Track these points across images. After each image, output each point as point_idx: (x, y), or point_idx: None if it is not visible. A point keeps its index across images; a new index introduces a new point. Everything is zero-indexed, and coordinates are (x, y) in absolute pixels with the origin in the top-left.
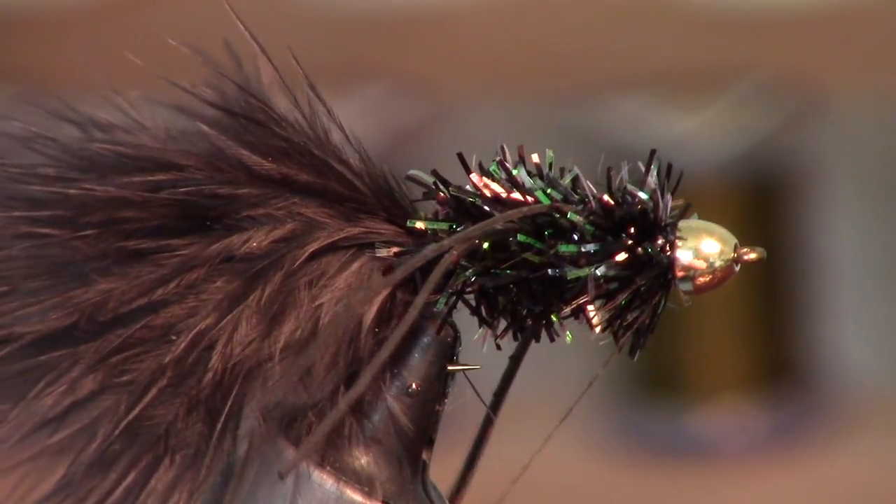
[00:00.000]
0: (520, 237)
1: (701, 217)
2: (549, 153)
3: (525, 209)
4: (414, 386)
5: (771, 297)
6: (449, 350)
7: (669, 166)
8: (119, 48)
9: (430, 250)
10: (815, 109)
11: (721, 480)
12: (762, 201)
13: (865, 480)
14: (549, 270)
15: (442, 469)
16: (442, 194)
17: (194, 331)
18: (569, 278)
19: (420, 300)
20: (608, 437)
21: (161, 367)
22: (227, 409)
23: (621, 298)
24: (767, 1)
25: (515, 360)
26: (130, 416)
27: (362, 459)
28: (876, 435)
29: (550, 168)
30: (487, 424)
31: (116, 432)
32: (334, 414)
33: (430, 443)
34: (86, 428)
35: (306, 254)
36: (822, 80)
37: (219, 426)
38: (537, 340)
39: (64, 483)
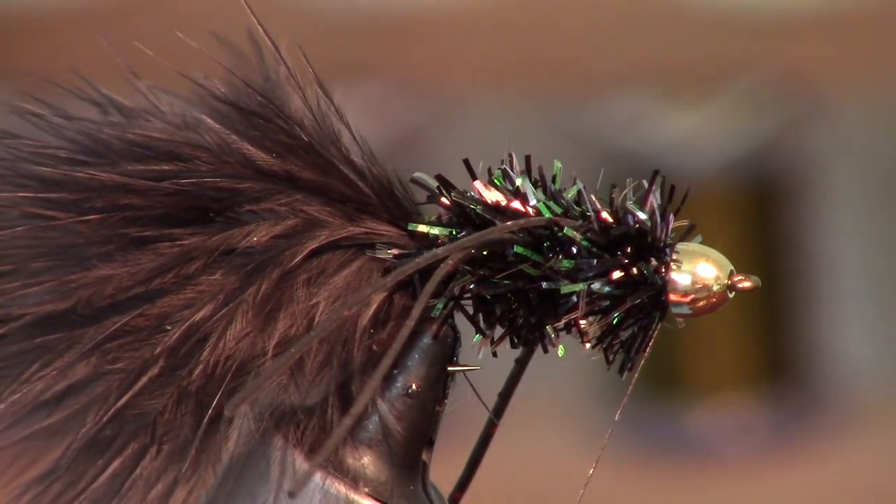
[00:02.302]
0: (516, 249)
1: (700, 220)
2: (557, 163)
3: (522, 221)
4: (414, 387)
5: (771, 297)
6: (449, 351)
7: (672, 187)
8: (123, 46)
9: (423, 258)
10: (815, 110)
11: (720, 479)
12: (762, 201)
13: (865, 479)
14: (544, 283)
15: (442, 469)
16: (445, 199)
17: (188, 322)
18: (562, 292)
19: (416, 312)
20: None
21: (153, 356)
22: (216, 403)
23: (613, 316)
24: (767, 2)
25: (521, 364)
26: (120, 404)
27: (363, 459)
28: (875, 434)
29: (554, 179)
30: (491, 426)
31: (105, 419)
32: (343, 426)
33: (430, 443)
34: (78, 413)
35: (306, 251)
36: (822, 81)
37: (206, 419)
38: (545, 350)
39: (53, 467)
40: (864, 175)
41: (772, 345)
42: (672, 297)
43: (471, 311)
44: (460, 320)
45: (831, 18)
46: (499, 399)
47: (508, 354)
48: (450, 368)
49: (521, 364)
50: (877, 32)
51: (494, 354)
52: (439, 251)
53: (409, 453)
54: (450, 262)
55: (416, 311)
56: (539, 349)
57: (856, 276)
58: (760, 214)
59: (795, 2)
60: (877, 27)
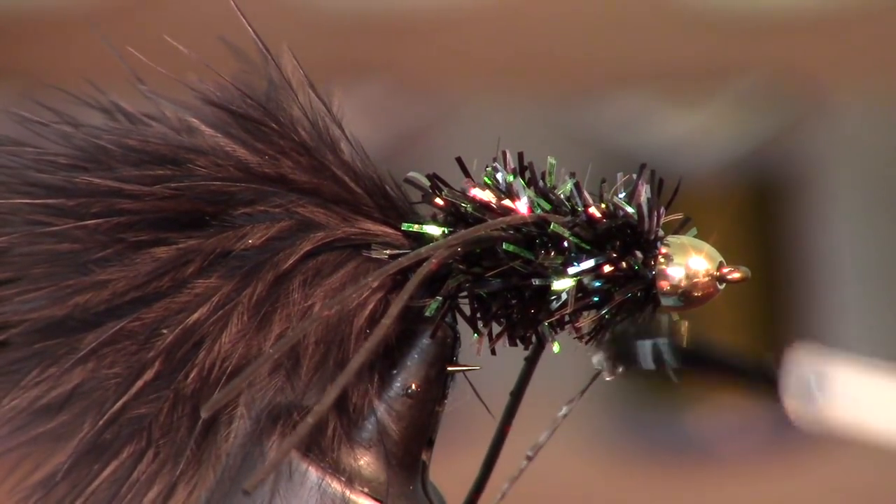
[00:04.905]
0: (506, 246)
1: (700, 220)
2: (551, 160)
3: (508, 219)
4: (413, 387)
5: (771, 297)
6: (448, 351)
7: (661, 180)
8: (121, 48)
9: (406, 258)
10: (815, 110)
11: (720, 479)
12: (762, 201)
13: (864, 480)
14: (535, 280)
15: (443, 469)
16: (438, 198)
17: (184, 325)
18: (553, 288)
19: (394, 310)
20: (607, 437)
21: (149, 359)
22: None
23: (605, 311)
24: (767, 1)
25: (531, 362)
26: (116, 408)
27: (361, 459)
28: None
29: (544, 176)
30: (504, 425)
31: (102, 423)
32: (315, 411)
33: (429, 443)
34: (77, 417)
35: (300, 253)
36: (822, 81)
37: (202, 421)
38: (542, 346)
39: (54, 471)
40: (863, 175)
41: (772, 345)
42: (663, 289)
43: (468, 311)
44: (461, 322)
45: (831, 18)
46: (510, 398)
47: (509, 354)
48: (449, 368)
49: (530, 362)
50: (877, 32)
51: (493, 352)
52: (423, 250)
53: (409, 453)
54: (433, 260)
55: (393, 309)
56: (547, 346)
57: (855, 276)
58: (760, 214)
59: (795, 2)
60: (877, 27)
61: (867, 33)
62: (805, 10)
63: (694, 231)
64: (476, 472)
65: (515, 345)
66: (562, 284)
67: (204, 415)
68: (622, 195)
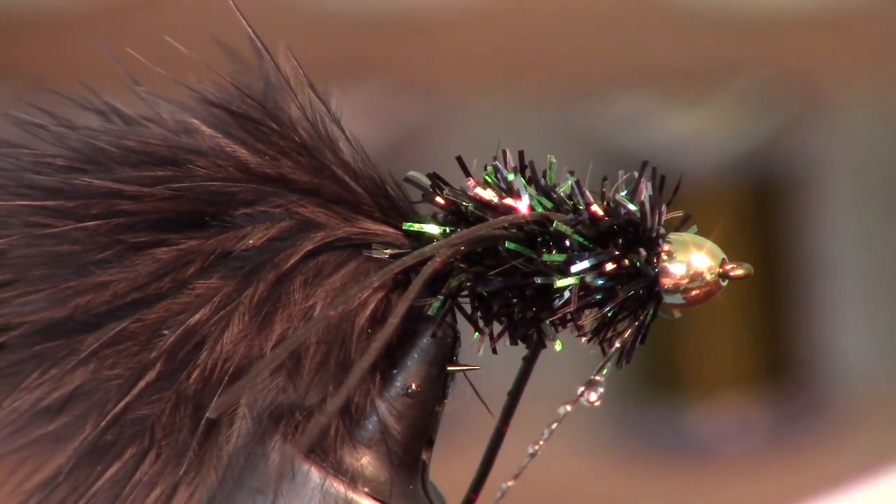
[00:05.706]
0: (508, 245)
1: (700, 219)
2: (551, 158)
3: (510, 217)
4: (414, 386)
5: (771, 297)
6: (448, 351)
7: (662, 178)
8: (119, 49)
9: (409, 257)
10: (815, 110)
11: (720, 479)
12: (762, 201)
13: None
14: (537, 278)
15: (442, 469)
16: (439, 197)
17: (185, 326)
18: (555, 286)
19: (401, 309)
20: (607, 436)
21: (151, 360)
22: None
23: (608, 309)
24: (767, 1)
25: (529, 362)
26: (118, 409)
27: (362, 459)
28: (875, 433)
29: (544, 174)
30: (502, 425)
31: (104, 424)
32: (325, 413)
33: (429, 443)
34: (78, 419)
35: (301, 253)
36: (822, 80)
37: (204, 422)
38: (543, 345)
39: (55, 473)
40: (864, 175)
41: (772, 345)
42: (665, 287)
43: (469, 309)
44: (461, 321)
45: (831, 18)
46: (508, 398)
47: (509, 353)
48: (449, 368)
49: (529, 362)
50: (877, 32)
51: (494, 351)
52: (426, 249)
53: (409, 453)
54: (437, 259)
55: (400, 308)
56: (546, 346)
57: (855, 276)
58: (760, 214)
59: (795, 2)
60: (877, 27)
61: (867, 33)
62: (805, 10)
63: (695, 228)
64: (474, 472)
65: (517, 344)
66: (564, 282)
67: (212, 415)
68: (623, 193)
